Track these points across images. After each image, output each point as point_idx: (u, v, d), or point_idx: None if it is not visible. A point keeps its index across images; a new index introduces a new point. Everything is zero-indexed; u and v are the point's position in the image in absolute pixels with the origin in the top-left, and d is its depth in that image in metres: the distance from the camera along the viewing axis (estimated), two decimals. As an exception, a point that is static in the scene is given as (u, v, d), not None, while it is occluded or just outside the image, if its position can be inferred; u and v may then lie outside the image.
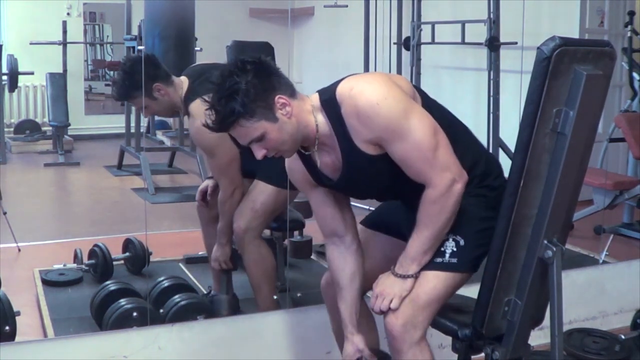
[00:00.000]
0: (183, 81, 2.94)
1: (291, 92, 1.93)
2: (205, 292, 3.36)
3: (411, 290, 1.96)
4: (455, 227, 1.97)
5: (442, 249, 1.98)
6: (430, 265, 1.97)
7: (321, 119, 1.94)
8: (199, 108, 2.79)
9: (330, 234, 2.13)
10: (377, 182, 2.01)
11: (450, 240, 1.98)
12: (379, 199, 2.23)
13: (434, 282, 1.97)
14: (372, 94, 1.87)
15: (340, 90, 1.91)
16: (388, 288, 1.97)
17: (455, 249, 1.98)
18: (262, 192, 2.95)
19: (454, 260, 1.98)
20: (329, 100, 1.93)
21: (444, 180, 1.88)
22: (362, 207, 2.45)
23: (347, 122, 1.89)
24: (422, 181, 1.90)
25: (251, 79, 1.86)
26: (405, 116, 1.86)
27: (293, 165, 2.08)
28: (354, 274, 2.12)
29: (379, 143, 1.89)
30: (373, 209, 2.32)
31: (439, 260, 1.98)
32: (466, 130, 2.10)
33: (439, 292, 1.98)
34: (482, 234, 1.99)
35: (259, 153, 1.93)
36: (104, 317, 2.93)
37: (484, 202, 2.00)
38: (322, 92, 1.97)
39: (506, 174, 1.95)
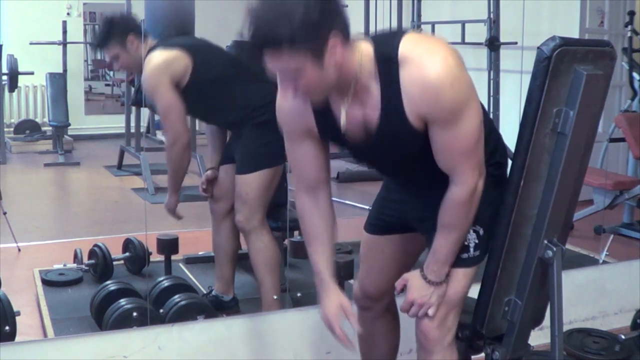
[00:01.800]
0: (153, 41, 3.05)
1: (346, 33, 1.67)
2: (205, 292, 3.36)
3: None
4: (474, 218, 1.90)
5: (466, 243, 1.92)
6: (458, 263, 1.92)
7: (367, 71, 1.73)
8: (152, 57, 2.91)
9: (309, 186, 1.99)
10: (401, 155, 1.86)
11: (472, 232, 1.92)
12: (382, 171, 2.10)
13: (463, 281, 1.94)
14: (445, 72, 1.67)
15: (406, 51, 1.70)
16: (426, 298, 1.91)
17: (477, 241, 1.93)
18: (242, 183, 3.01)
19: (478, 252, 1.93)
20: (387, 56, 1.71)
21: (473, 179, 1.79)
22: (363, 207, 2.42)
23: (405, 87, 1.70)
24: (451, 173, 1.80)
25: (314, 4, 1.60)
26: (467, 105, 1.73)
27: (294, 109, 1.85)
28: (328, 224, 2.02)
29: (428, 121, 1.74)
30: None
31: (465, 256, 1.92)
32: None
33: (467, 289, 1.97)
34: (494, 216, 1.96)
35: (285, 86, 1.74)
36: (104, 317, 2.92)
37: (492, 182, 1.90)
38: (378, 43, 1.75)
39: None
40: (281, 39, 1.59)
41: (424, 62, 1.68)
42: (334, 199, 2.10)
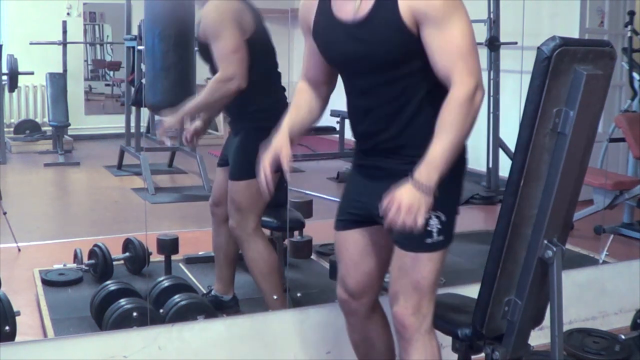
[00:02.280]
0: None
1: None
2: (205, 292, 3.36)
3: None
4: (434, 204, 1.87)
5: (429, 228, 1.93)
6: (422, 247, 1.95)
7: None
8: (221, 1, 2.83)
9: (310, 81, 2.17)
10: (378, 56, 1.92)
11: (433, 218, 1.93)
12: (351, 82, 2.08)
13: (429, 265, 1.97)
14: None
15: None
16: (413, 201, 1.82)
17: (440, 226, 1.95)
18: (235, 191, 2.98)
19: (441, 237, 1.96)
20: None
21: (471, 81, 1.83)
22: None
23: None
24: (449, 77, 1.85)
25: None
26: (457, 9, 1.84)
27: (307, 6, 2.06)
28: (314, 106, 2.16)
29: (419, 22, 1.85)
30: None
31: (429, 241, 1.95)
32: None
33: (436, 275, 1.99)
34: (455, 202, 2.00)
35: None
36: (104, 317, 2.93)
37: (454, 173, 1.92)
38: None
39: (506, 173, 1.95)
40: None
41: None
42: (334, 198, 2.11)
